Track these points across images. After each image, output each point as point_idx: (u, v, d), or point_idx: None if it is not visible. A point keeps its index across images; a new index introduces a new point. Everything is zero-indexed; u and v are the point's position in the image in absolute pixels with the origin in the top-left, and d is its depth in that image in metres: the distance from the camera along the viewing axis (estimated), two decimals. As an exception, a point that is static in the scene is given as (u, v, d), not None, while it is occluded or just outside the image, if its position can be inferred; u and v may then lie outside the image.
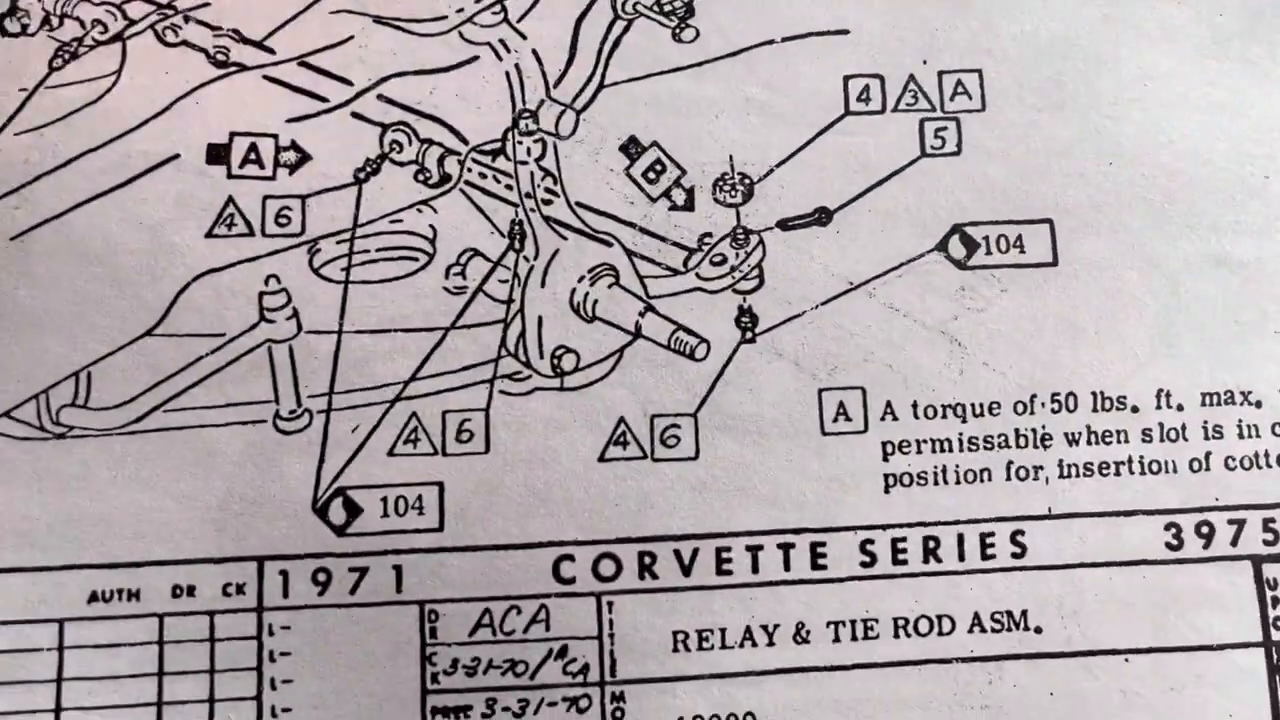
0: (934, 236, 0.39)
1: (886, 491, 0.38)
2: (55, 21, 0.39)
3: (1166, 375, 0.39)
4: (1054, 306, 0.39)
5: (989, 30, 0.40)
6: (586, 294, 0.38)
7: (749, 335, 0.38)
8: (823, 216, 0.39)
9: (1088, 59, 0.40)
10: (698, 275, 0.39)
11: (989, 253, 0.39)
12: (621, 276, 0.39)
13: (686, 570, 0.37)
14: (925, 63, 0.40)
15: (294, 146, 0.39)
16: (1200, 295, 0.39)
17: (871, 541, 0.38)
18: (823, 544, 0.37)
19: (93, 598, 0.36)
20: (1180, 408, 0.38)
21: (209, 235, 0.38)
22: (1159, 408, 0.38)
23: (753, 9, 0.40)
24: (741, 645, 0.37)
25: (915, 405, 0.38)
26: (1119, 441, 0.38)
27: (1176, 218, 0.39)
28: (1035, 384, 0.38)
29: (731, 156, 0.39)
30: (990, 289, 0.39)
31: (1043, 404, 0.38)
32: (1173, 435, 0.38)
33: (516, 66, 0.39)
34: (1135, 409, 0.38)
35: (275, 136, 0.39)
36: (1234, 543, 0.38)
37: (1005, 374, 0.38)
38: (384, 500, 0.37)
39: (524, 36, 0.40)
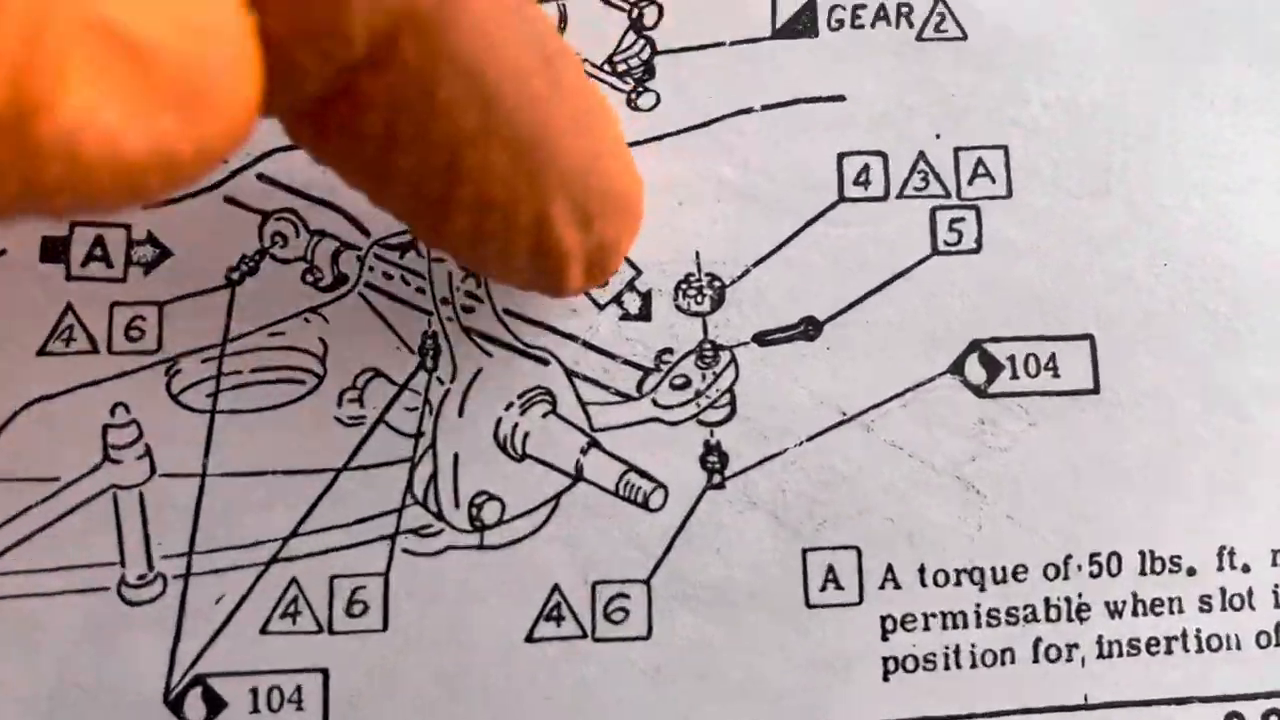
0: (948, 355, 0.31)
1: (886, 679, 0.30)
2: None
3: (1232, 529, 0.31)
4: (1095, 445, 0.31)
5: (1016, 97, 0.32)
6: (515, 425, 0.31)
7: (717, 479, 0.31)
8: (810, 329, 0.31)
9: (1138, 133, 0.32)
10: (654, 402, 0.31)
11: (1015, 376, 0.31)
12: (560, 404, 0.31)
13: (634, 782, 0.30)
14: (938, 137, 0.32)
15: (150, 240, 0.31)
16: (1275, 431, 0.31)
17: (867, 745, 0.30)
18: (806, 748, 0.30)
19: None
20: (1246, 569, 0.31)
21: (41, 353, 0.30)
22: (1221, 569, 0.31)
23: (727, 70, 0.33)
24: None
25: (923, 570, 0.31)
26: (1172, 612, 0.31)
27: (1246, 333, 0.32)
28: (1071, 542, 0.31)
29: (698, 253, 0.32)
30: (1016, 423, 0.31)
31: (1079, 567, 0.31)
32: (1237, 603, 0.31)
33: (430, 140, 0.32)
34: (1192, 571, 0.31)
35: (127, 227, 0.31)
36: (1316, 745, 0.30)
37: (1034, 530, 0.31)
38: (254, 691, 0.30)
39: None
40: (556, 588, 0.30)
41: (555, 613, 0.30)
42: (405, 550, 0.30)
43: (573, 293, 0.28)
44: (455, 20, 0.21)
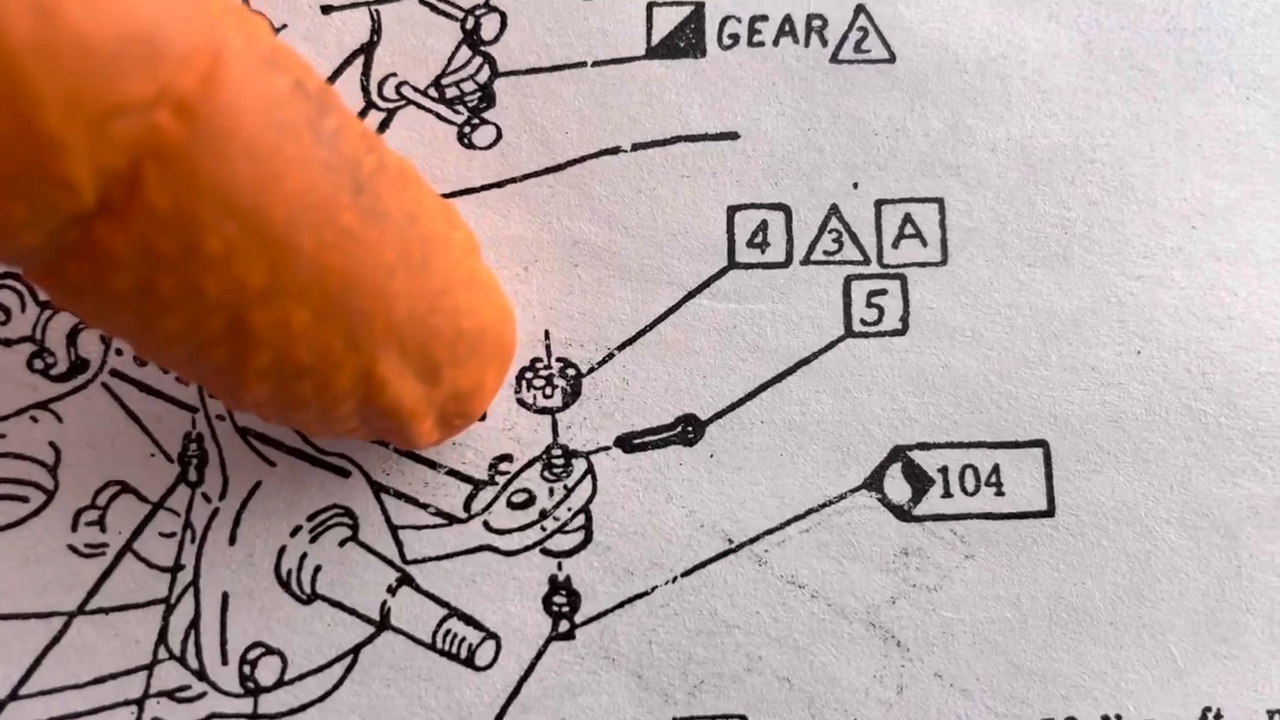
0: (863, 467, 0.25)
1: None
2: None
3: (1218, 688, 0.24)
4: (1048, 581, 0.24)
5: (955, 135, 0.26)
6: (304, 556, 0.24)
7: (565, 627, 0.24)
8: (689, 431, 0.25)
9: (1107, 185, 0.26)
10: (487, 525, 0.24)
11: (948, 494, 0.25)
12: (361, 528, 0.24)
13: None
14: (856, 186, 0.26)
15: None
16: (1272, 562, 0.25)
17: None
18: None
19: None
20: (1238, 735, 0.24)
21: None
22: (1206, 737, 0.24)
23: (588, 97, 0.26)
24: None
25: (826, 745, 0.24)
26: (1144, 792, 0.24)
27: (1239, 440, 0.25)
28: (1016, 706, 0.24)
29: (547, 332, 0.25)
30: (949, 554, 0.24)
31: (1027, 738, 0.24)
32: (1226, 779, 0.24)
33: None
34: (1170, 740, 0.24)
35: None
36: None
37: (969, 693, 0.24)
38: None
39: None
40: (351, 771, 0.23)
41: (348, 804, 0.23)
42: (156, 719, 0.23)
43: (424, 446, 0.23)
44: (220, 150, 0.17)
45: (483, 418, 0.25)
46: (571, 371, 0.25)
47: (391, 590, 0.24)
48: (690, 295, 0.25)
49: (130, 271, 0.17)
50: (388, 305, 0.19)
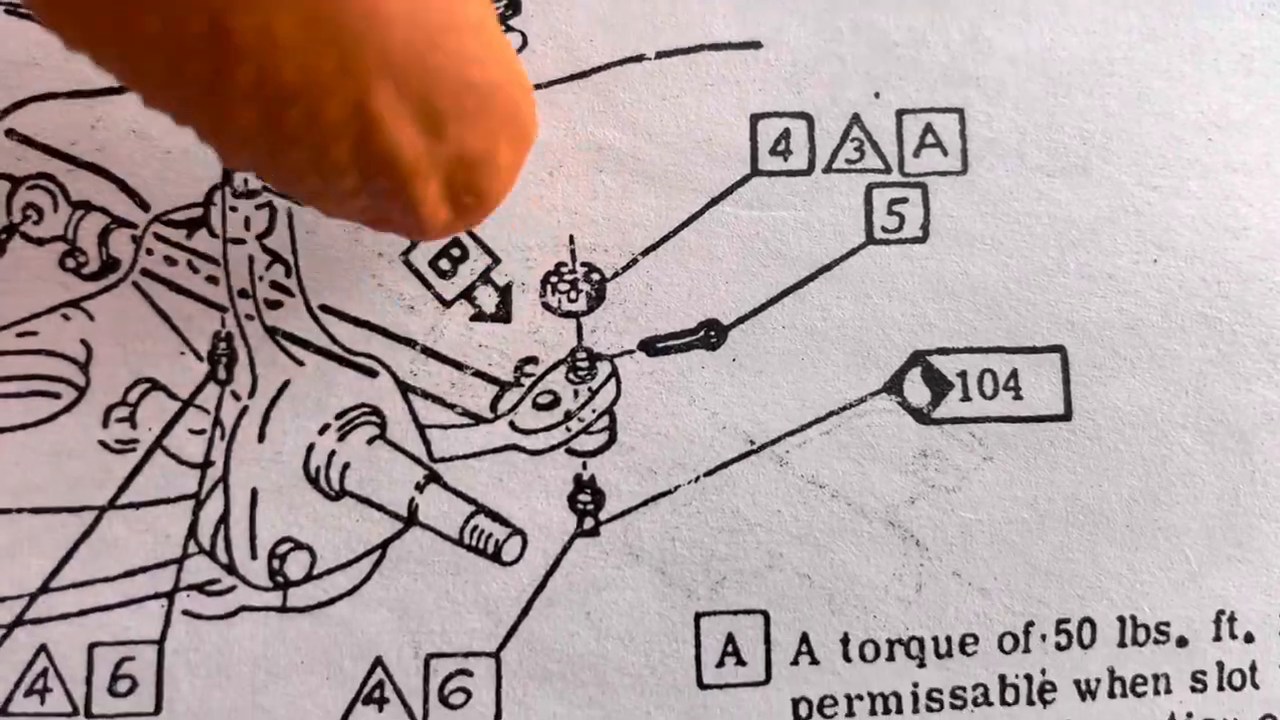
0: (883, 371, 0.25)
1: (797, 780, 0.24)
2: None
3: (1231, 590, 0.25)
4: (1065, 484, 0.25)
5: (975, 47, 0.26)
6: (332, 454, 0.24)
7: (590, 524, 0.24)
8: (711, 335, 0.25)
9: (1125, 97, 0.26)
10: (513, 425, 0.24)
11: (967, 398, 0.25)
12: (390, 427, 0.24)
13: None
14: (877, 96, 0.26)
15: None
16: (1287, 468, 0.25)
17: None
18: None
19: None
20: (1250, 638, 0.25)
21: None
22: (1218, 639, 0.25)
23: (612, 4, 0.26)
24: None
25: (847, 640, 0.24)
26: (1158, 692, 0.25)
27: (1253, 347, 0.25)
28: (1033, 606, 0.24)
29: (572, 237, 0.25)
30: (968, 456, 0.25)
31: (1043, 636, 0.25)
32: (1238, 680, 0.25)
33: (231, 87, 0.25)
34: (1183, 641, 0.25)
35: None
36: None
37: (987, 591, 0.24)
38: (-22, 798, 0.23)
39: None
40: (379, 662, 0.24)
41: (378, 694, 0.24)
42: (186, 612, 0.24)
43: (436, 229, 0.20)
44: None
45: (508, 320, 0.25)
46: (596, 276, 0.25)
47: (419, 487, 0.24)
48: (713, 202, 0.25)
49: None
50: (382, 27, 0.17)
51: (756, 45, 0.26)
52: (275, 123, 0.17)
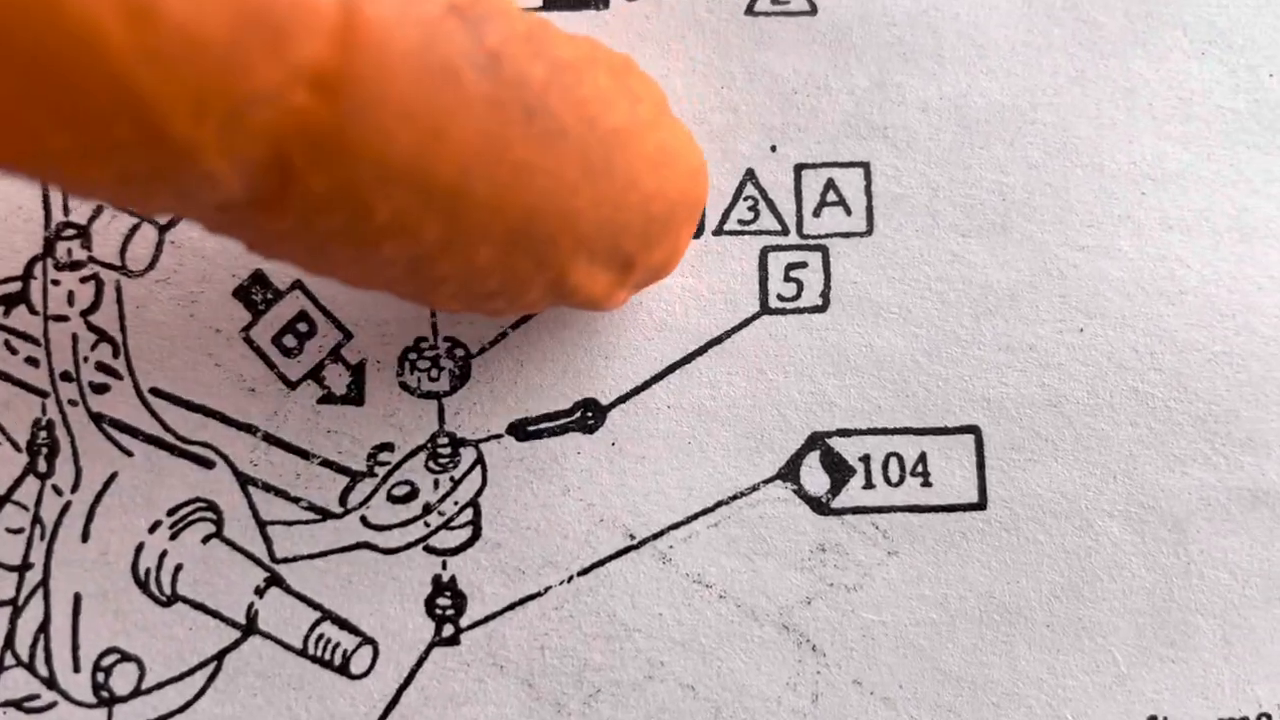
0: (777, 455, 0.23)
1: None
2: None
3: (1164, 696, 0.23)
4: (978, 580, 0.22)
5: (882, 94, 0.23)
6: (163, 554, 0.22)
7: (450, 630, 0.22)
8: (588, 416, 0.23)
9: (1048, 146, 0.24)
10: (365, 521, 0.22)
11: (870, 485, 0.23)
12: (226, 523, 0.22)
13: None
14: (774, 149, 0.23)
15: None
16: (1225, 558, 0.23)
17: None
18: None
19: None
20: (1186, 746, 0.23)
21: None
22: (1152, 749, 0.22)
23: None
24: None
25: (734, 759, 0.22)
26: (1083, 808, 0.22)
27: (1189, 425, 0.23)
28: (944, 716, 0.22)
29: (434, 310, 0.23)
30: (870, 550, 0.22)
31: (955, 750, 0.22)
32: (1173, 793, 0.22)
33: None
34: (1112, 752, 0.22)
35: None
36: None
37: (891, 700, 0.22)
38: None
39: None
40: (212, 789, 0.21)
41: (209, 824, 0.21)
42: (-2, 734, 0.21)
43: (615, 308, 0.22)
44: (371, 121, 0.15)
45: (361, 402, 0.22)
46: (460, 352, 0.23)
47: (259, 591, 0.22)
48: (591, 268, 0.23)
49: (299, 241, 0.16)
50: (573, 222, 0.18)
51: (640, 94, 0.23)
52: (477, 305, 0.19)
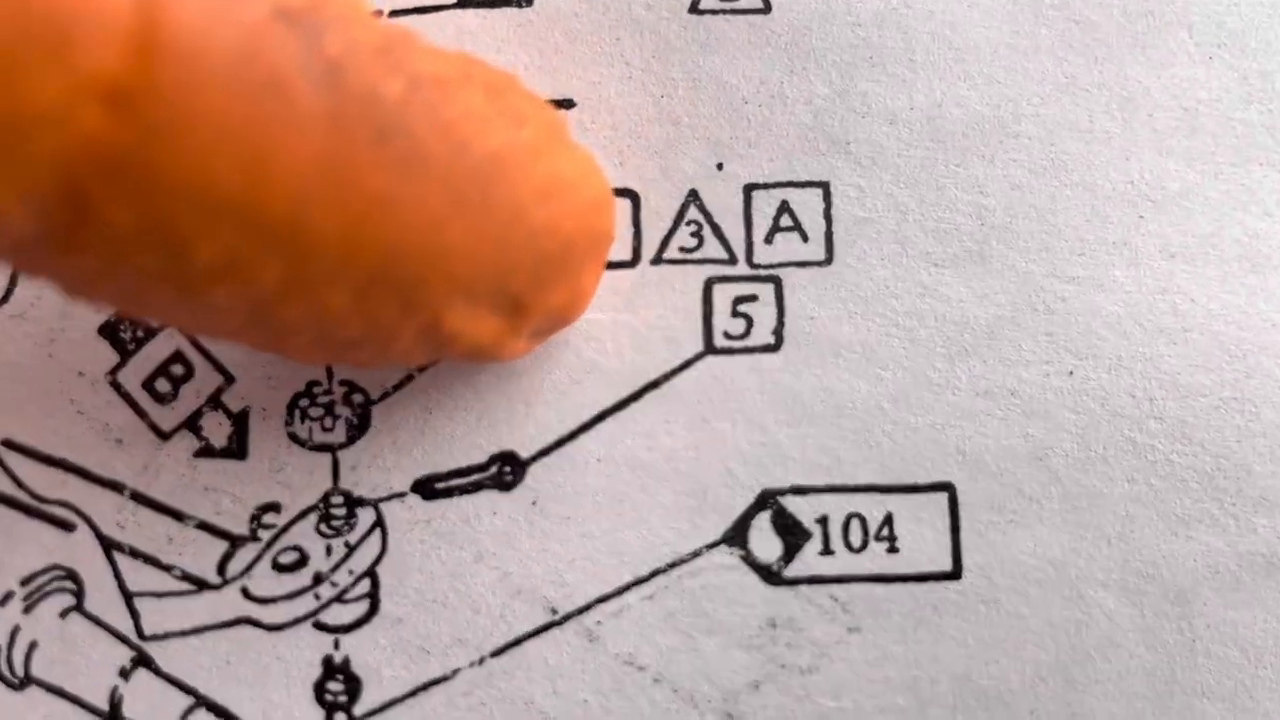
0: (722, 517, 0.20)
1: None
2: None
3: (1167, 792, 0.20)
4: (952, 661, 0.20)
5: (845, 104, 0.21)
6: (16, 630, 0.19)
7: None
8: (505, 471, 0.20)
9: (1033, 164, 0.21)
10: (245, 592, 0.20)
11: (828, 551, 0.20)
12: (88, 594, 0.20)
13: None
14: (720, 167, 0.21)
15: None
16: (1234, 634, 0.20)
17: None
18: None
19: None
20: None
21: None
22: None
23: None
24: None
25: None
26: None
27: (1195, 482, 0.21)
28: (910, 820, 0.19)
29: (329, 349, 0.20)
30: (829, 626, 0.20)
31: None
32: None
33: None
34: None
35: None
36: None
37: (851, 802, 0.19)
38: None
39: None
40: None
41: None
42: None
43: (515, 358, 0.20)
44: (180, 142, 0.13)
45: (244, 456, 0.20)
46: (358, 398, 0.20)
47: (124, 674, 0.20)
48: (511, 302, 0.20)
49: (113, 284, 0.15)
50: (444, 261, 0.16)
51: (568, 104, 0.21)
52: (339, 356, 0.18)
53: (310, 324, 0.16)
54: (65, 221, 0.13)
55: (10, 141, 0.12)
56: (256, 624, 0.20)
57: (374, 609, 0.20)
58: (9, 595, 0.19)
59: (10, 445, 0.20)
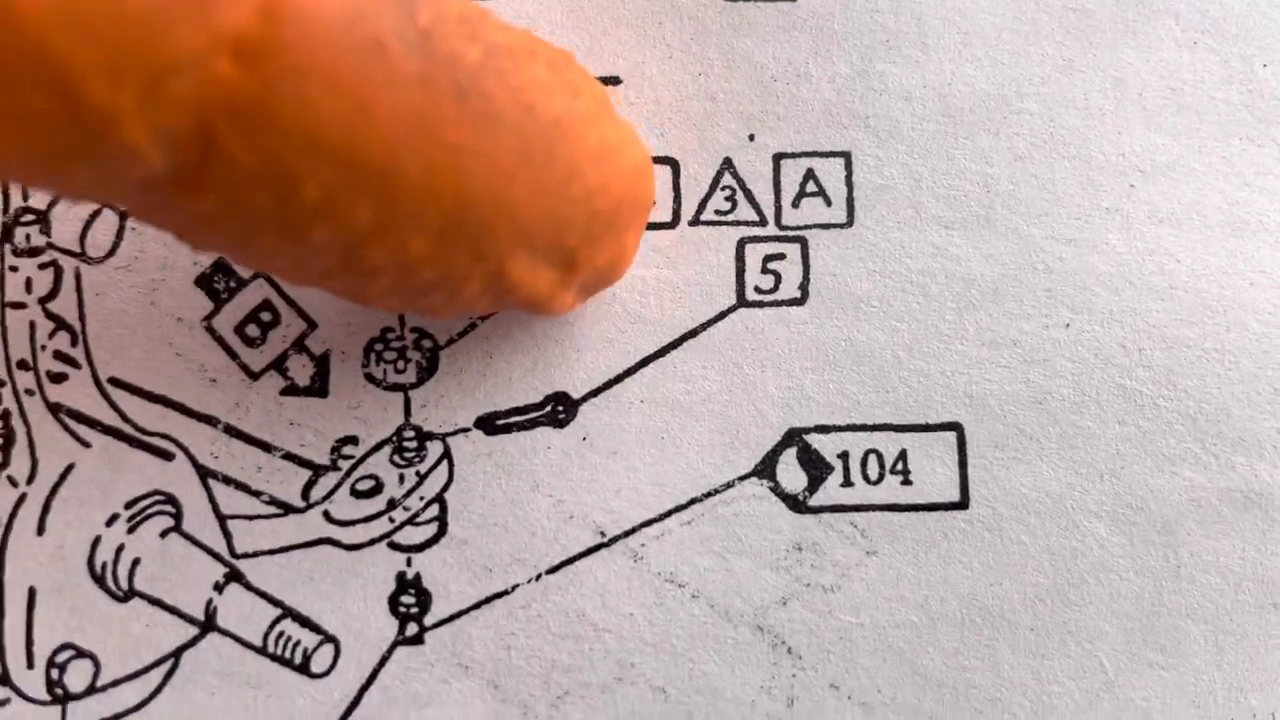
0: (753, 451, 0.22)
1: None
2: None
3: (1155, 700, 0.22)
4: (960, 582, 0.22)
5: (864, 82, 0.23)
6: (120, 549, 0.21)
7: (413, 629, 0.21)
8: (559, 410, 0.22)
9: (1034, 137, 0.23)
10: (327, 516, 0.22)
11: (848, 483, 0.22)
12: (186, 517, 0.21)
13: None
14: (752, 138, 0.23)
15: None
16: (1217, 561, 0.22)
17: None
18: None
19: None
20: (1174, 755, 0.22)
21: None
22: (1139, 757, 0.22)
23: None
24: None
25: (705, 764, 0.21)
26: (1068, 819, 0.22)
27: (1179, 423, 0.22)
28: (922, 723, 0.21)
29: (400, 299, 0.22)
30: (849, 549, 0.22)
31: (935, 758, 0.21)
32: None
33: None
34: (1098, 761, 0.22)
35: None
36: None
37: (869, 705, 0.21)
38: None
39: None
40: (166, 791, 0.21)
41: (163, 828, 0.21)
42: (-53, 732, 0.21)
43: (564, 312, 0.21)
44: (297, 92, 0.15)
45: (325, 394, 0.22)
46: (427, 343, 0.22)
47: (218, 587, 0.21)
48: (563, 259, 0.22)
49: (226, 224, 0.16)
50: (511, 212, 0.17)
51: (615, 81, 0.23)
52: (413, 300, 0.19)
53: (392, 267, 0.17)
54: (194, 160, 0.14)
55: (153, 84, 0.13)
56: (336, 544, 0.22)
57: (442, 531, 0.22)
58: (115, 517, 0.21)
59: (116, 383, 0.22)
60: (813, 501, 0.22)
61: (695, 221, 0.23)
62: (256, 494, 0.22)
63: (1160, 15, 0.23)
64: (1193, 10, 0.24)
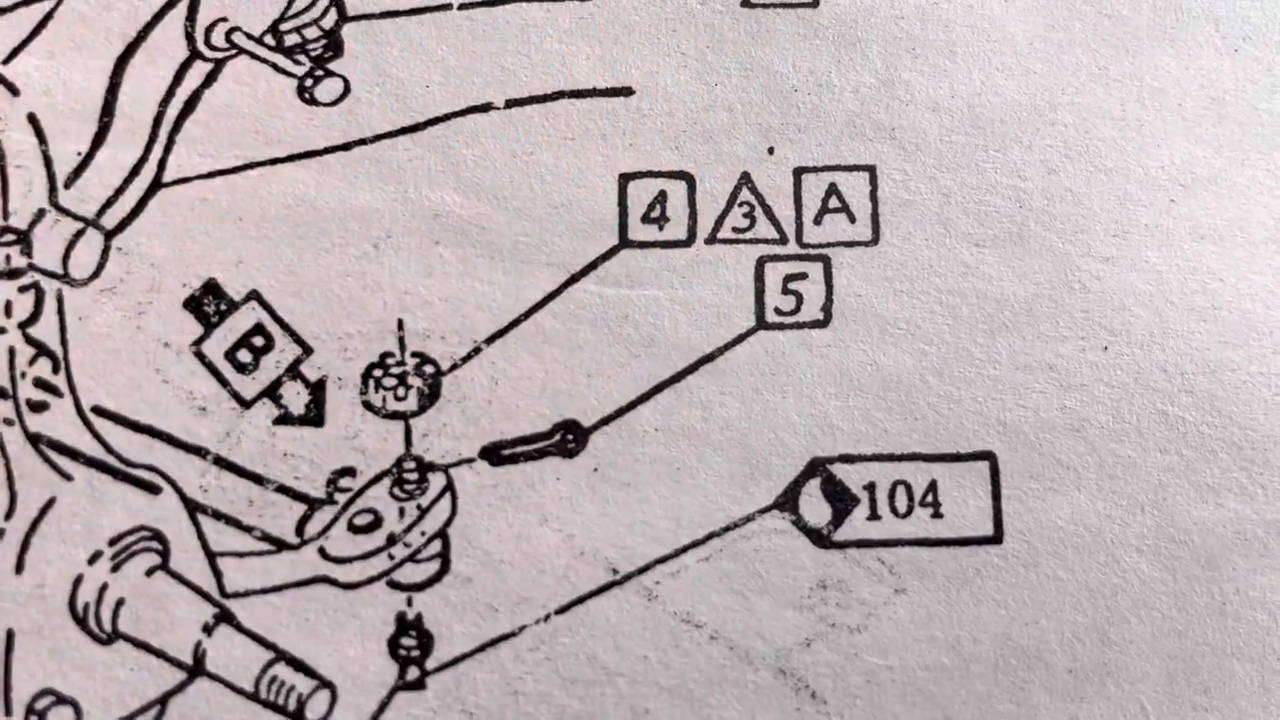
0: (774, 482, 0.21)
1: None
2: None
3: (1199, 748, 0.21)
4: (993, 621, 0.21)
5: (889, 92, 0.22)
6: (104, 588, 0.20)
7: (414, 674, 0.20)
8: (569, 439, 0.21)
9: (1069, 149, 0.22)
10: (323, 552, 0.20)
11: (875, 516, 0.21)
12: (172, 554, 0.20)
13: None
14: (771, 151, 0.22)
15: None
16: (1264, 597, 0.21)
17: None
18: None
19: None
20: (1221, 803, 0.20)
21: None
22: (1183, 806, 0.21)
23: (453, 45, 0.22)
24: None
25: (725, 817, 0.20)
26: None
27: (1224, 452, 0.21)
28: (955, 772, 0.20)
29: (401, 322, 0.21)
30: (876, 587, 0.21)
31: (968, 808, 0.20)
32: None
33: (-3, 144, 0.21)
34: (1140, 810, 0.20)
35: None
36: None
37: (898, 754, 0.20)
38: None
39: (13, 90, 0.21)
40: (151, 846, 0.20)
41: None
42: (-81, 785, 0.20)
43: None
44: None
45: (320, 423, 0.21)
46: (429, 369, 0.21)
47: (207, 629, 0.20)
48: (573, 279, 0.21)
49: None
50: None
51: (627, 92, 0.22)
52: None
53: None
54: None
55: None
56: (333, 583, 0.20)
57: (445, 569, 0.21)
58: (97, 554, 0.20)
59: (100, 412, 0.21)
60: (838, 536, 0.21)
61: (712, 240, 0.22)
62: (248, 530, 0.21)
63: (1199, 21, 0.23)
64: (1234, 16, 0.23)
